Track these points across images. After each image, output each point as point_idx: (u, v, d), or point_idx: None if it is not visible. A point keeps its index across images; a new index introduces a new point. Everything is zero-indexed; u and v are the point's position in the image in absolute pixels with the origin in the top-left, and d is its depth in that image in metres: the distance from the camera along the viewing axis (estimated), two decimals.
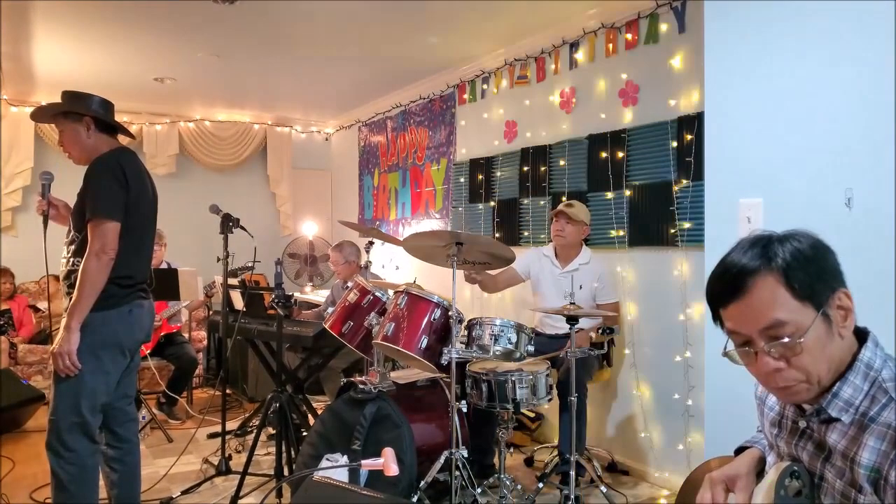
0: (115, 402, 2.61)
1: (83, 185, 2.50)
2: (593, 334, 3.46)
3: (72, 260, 2.51)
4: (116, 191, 2.45)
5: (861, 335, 1.20)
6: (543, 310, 3.61)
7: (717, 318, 1.21)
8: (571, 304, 3.07)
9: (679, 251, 3.53)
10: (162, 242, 4.81)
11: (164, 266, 4.78)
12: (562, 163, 4.27)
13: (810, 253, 1.15)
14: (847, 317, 1.16)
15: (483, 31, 4.42)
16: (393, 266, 6.21)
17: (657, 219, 3.62)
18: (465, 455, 2.91)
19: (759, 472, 1.36)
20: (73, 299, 2.39)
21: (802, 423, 1.24)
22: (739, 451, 1.46)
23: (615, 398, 3.96)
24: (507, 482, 3.13)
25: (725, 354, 1.21)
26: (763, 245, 1.16)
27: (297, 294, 5.65)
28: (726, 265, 1.19)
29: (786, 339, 1.12)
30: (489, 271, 3.81)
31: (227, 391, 4.32)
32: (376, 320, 3.14)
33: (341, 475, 2.81)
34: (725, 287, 1.17)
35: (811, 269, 1.13)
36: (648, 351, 3.74)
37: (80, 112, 2.56)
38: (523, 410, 3.90)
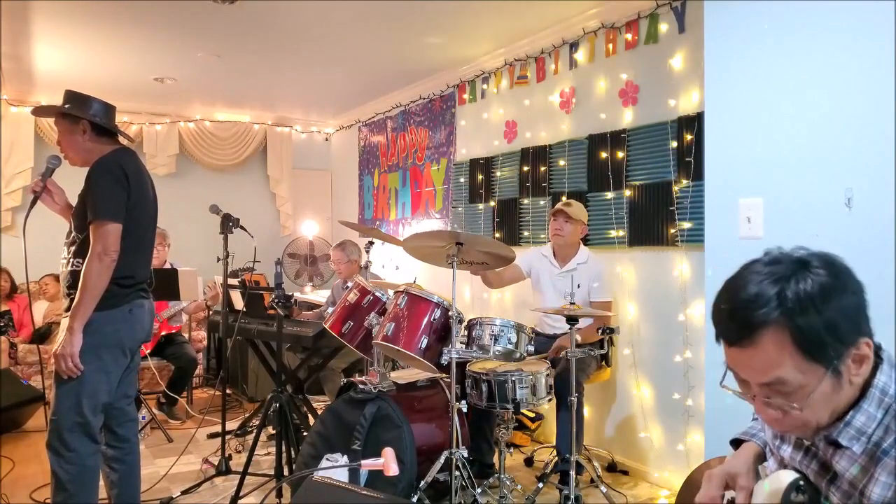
0: (115, 402, 2.61)
1: (84, 186, 2.49)
2: (578, 337, 3.43)
3: (73, 261, 2.51)
4: (118, 192, 2.45)
5: (874, 353, 1.11)
6: (543, 310, 3.61)
7: (719, 341, 1.14)
8: (571, 303, 3.07)
9: (679, 251, 3.52)
10: (165, 243, 4.80)
11: (166, 266, 4.78)
12: (562, 163, 4.27)
13: (826, 301, 1.04)
14: (862, 364, 1.07)
15: (483, 31, 4.42)
16: (393, 266, 6.21)
17: (657, 219, 3.62)
18: (465, 455, 2.91)
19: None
20: (75, 301, 2.38)
21: (807, 441, 1.19)
22: (735, 442, 1.43)
23: (615, 398, 3.95)
24: (507, 482, 3.13)
25: (722, 386, 1.16)
26: (780, 286, 1.05)
27: (297, 294, 5.65)
28: (735, 304, 1.08)
29: (788, 398, 1.06)
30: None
31: (227, 391, 4.32)
32: (376, 320, 3.13)
33: (341, 475, 2.81)
34: (730, 330, 1.09)
35: (826, 324, 1.03)
36: (648, 351, 3.74)
37: (78, 115, 2.55)
38: (523, 410, 3.90)
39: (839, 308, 1.04)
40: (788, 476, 1.16)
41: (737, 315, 1.07)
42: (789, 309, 1.03)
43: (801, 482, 1.14)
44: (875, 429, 1.08)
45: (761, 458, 1.35)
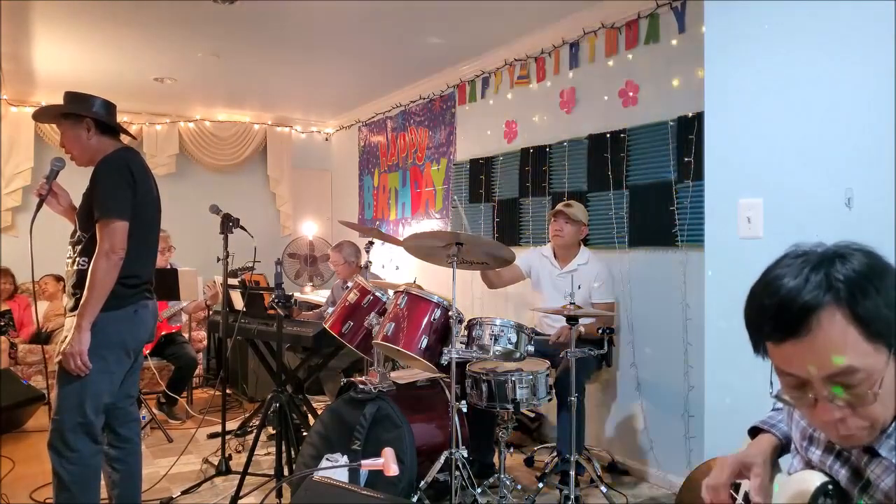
0: (117, 403, 2.61)
1: (90, 185, 2.49)
2: (582, 328, 3.44)
3: (78, 260, 2.51)
4: (124, 190, 2.46)
5: None
6: (543, 310, 3.62)
7: (760, 349, 1.06)
8: (571, 304, 3.07)
9: (679, 251, 3.53)
10: (168, 245, 4.79)
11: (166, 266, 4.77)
12: (562, 163, 4.27)
13: (879, 278, 0.98)
14: None
15: (483, 31, 4.42)
16: (393, 266, 6.21)
17: (657, 219, 3.62)
18: (465, 455, 2.92)
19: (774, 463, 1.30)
20: (83, 299, 2.38)
21: (839, 445, 1.13)
22: (753, 431, 1.38)
23: (615, 398, 3.96)
24: (507, 482, 3.13)
25: (775, 397, 1.08)
26: (825, 270, 0.99)
27: (297, 294, 5.66)
28: (783, 298, 1.00)
29: (856, 389, 0.98)
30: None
31: (227, 391, 4.32)
32: (376, 320, 3.14)
33: (341, 475, 2.81)
34: (782, 324, 1.00)
35: (883, 300, 0.97)
36: (648, 351, 3.74)
37: (80, 114, 2.56)
38: (523, 410, 3.90)
39: (893, 285, 0.99)
40: (817, 478, 1.12)
41: (787, 304, 1.00)
42: (840, 288, 0.97)
43: (831, 486, 1.10)
44: None
45: (779, 450, 1.31)
